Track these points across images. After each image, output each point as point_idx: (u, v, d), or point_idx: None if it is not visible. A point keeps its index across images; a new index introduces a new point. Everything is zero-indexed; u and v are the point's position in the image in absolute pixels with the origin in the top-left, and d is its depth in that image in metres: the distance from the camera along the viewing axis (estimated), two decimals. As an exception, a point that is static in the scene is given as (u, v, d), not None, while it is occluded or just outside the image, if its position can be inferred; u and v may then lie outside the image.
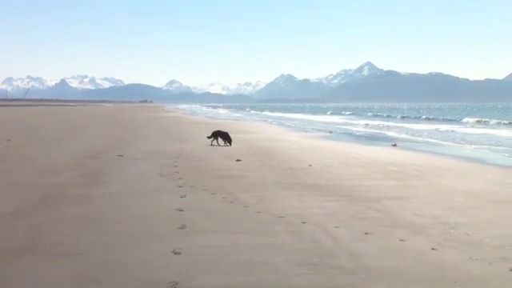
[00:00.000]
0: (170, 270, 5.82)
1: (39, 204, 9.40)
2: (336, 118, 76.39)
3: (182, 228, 7.66)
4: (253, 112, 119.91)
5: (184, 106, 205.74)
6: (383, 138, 32.03)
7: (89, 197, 10.14)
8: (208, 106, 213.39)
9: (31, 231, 7.50)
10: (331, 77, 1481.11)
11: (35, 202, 9.61)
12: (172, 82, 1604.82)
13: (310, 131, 38.23)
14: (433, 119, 69.43)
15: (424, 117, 77.65)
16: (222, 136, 21.34)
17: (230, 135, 21.46)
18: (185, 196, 10.17)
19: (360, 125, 53.21)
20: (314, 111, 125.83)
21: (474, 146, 25.16)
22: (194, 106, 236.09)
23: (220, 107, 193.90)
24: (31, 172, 13.52)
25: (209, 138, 21.59)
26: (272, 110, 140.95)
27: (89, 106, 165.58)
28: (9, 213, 8.65)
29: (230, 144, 20.91)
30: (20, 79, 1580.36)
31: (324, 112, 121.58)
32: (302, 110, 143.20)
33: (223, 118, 72.76)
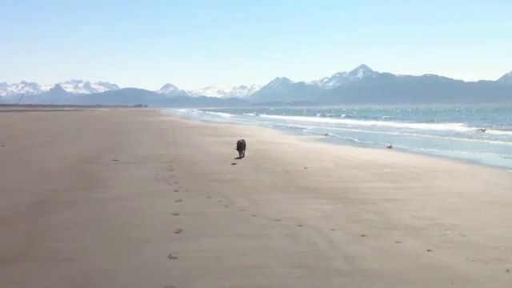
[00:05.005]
0: (166, 275, 5.81)
1: (34, 210, 9.35)
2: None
3: (177, 232, 7.65)
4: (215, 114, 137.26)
5: (176, 110, 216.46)
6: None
7: (84, 202, 10.10)
8: (187, 110, 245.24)
9: (27, 237, 7.46)
10: (326, 79, 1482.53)
11: (30, 207, 9.56)
12: (167, 85, 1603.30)
13: (305, 134, 38.26)
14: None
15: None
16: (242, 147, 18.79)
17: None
18: (180, 200, 10.15)
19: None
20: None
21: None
22: (181, 110, 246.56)
23: (194, 111, 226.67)
24: (26, 177, 13.45)
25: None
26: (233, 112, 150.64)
27: (84, 111, 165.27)
28: (4, 219, 8.60)
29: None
30: (14, 84, 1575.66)
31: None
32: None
33: (218, 121, 72.70)
